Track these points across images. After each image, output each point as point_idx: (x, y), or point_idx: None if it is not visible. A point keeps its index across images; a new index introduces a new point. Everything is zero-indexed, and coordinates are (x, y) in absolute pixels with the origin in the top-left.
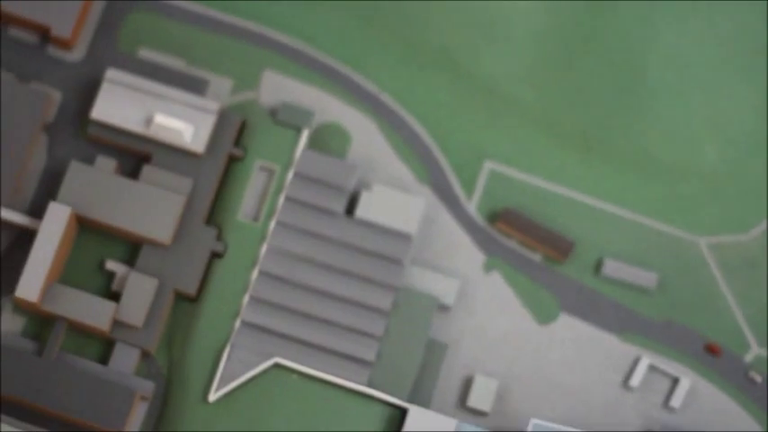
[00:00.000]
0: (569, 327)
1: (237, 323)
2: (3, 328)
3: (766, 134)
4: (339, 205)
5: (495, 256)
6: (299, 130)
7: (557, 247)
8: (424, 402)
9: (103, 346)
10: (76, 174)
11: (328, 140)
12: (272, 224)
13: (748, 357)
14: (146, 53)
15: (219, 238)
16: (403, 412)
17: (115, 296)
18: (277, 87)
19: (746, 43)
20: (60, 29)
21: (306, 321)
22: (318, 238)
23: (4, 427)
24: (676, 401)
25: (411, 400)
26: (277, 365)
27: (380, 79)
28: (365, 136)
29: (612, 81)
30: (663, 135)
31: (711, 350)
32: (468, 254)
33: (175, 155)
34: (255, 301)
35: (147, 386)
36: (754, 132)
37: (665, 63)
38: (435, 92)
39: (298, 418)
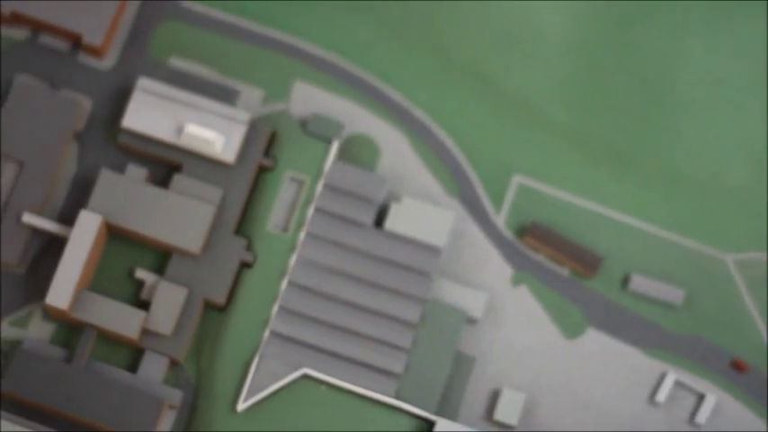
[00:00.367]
0: (596, 341)
1: (266, 333)
2: (32, 334)
3: None
4: (368, 217)
5: (523, 270)
6: (329, 142)
7: (584, 261)
8: (452, 415)
9: (132, 355)
10: (107, 182)
11: (358, 152)
12: (302, 235)
13: None
14: (177, 62)
15: (249, 248)
16: (430, 425)
17: (144, 304)
18: (307, 98)
19: None
20: (92, 36)
21: (334, 332)
22: (347, 249)
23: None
24: (702, 417)
25: (438, 413)
26: (306, 376)
27: (411, 92)
28: (395, 148)
29: (642, 97)
30: (691, 151)
31: (737, 366)
32: (496, 267)
33: (206, 164)
34: (284, 311)
35: (176, 395)
36: None
37: (694, 80)
38: (465, 105)
39: (325, 429)
